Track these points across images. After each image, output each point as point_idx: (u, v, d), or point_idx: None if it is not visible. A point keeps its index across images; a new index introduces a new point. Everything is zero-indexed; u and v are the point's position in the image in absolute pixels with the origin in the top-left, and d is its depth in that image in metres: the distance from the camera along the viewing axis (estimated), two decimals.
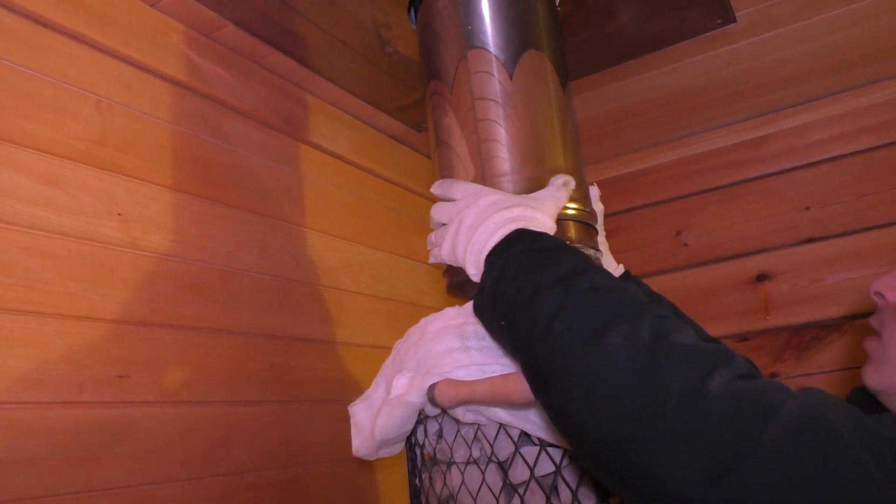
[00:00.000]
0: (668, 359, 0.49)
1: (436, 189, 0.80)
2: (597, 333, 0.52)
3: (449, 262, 0.76)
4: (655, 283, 1.67)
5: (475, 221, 0.69)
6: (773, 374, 1.46)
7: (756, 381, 0.48)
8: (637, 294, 0.57)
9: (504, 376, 0.67)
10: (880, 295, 0.71)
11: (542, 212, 0.71)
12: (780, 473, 0.42)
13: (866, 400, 0.71)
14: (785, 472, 0.42)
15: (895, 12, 1.17)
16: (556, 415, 0.56)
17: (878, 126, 1.45)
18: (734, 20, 1.15)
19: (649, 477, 0.47)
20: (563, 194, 0.75)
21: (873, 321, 0.72)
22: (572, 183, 0.78)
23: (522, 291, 0.59)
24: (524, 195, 0.74)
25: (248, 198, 1.09)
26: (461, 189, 0.75)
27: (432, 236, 0.79)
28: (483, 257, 0.67)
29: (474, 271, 0.69)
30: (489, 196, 0.71)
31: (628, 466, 0.48)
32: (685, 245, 1.63)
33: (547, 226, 0.70)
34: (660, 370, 0.48)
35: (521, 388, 0.65)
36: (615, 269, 0.93)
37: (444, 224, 0.77)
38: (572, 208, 0.79)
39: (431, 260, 0.81)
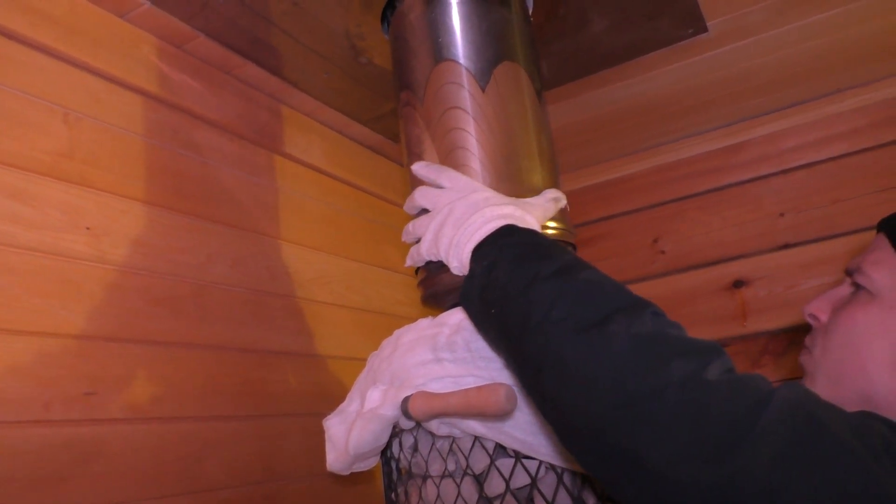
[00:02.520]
0: (668, 349, 0.50)
1: (421, 169, 0.79)
2: (599, 322, 0.53)
3: (428, 258, 0.75)
4: (634, 290, 1.67)
5: (464, 214, 0.70)
6: None
7: (745, 374, 0.50)
8: (629, 290, 0.58)
9: (478, 388, 0.66)
10: (814, 317, 0.76)
11: (531, 215, 0.71)
12: (776, 457, 0.44)
13: None
14: (780, 456, 0.44)
15: (864, 22, 1.19)
16: (549, 403, 0.56)
17: (850, 132, 1.47)
18: (706, 30, 1.16)
19: (644, 459, 0.47)
20: (552, 207, 0.77)
21: (807, 340, 0.76)
22: (563, 200, 0.80)
23: (518, 281, 0.60)
24: (514, 198, 0.74)
25: (221, 210, 1.08)
26: (451, 178, 0.75)
27: (410, 225, 0.78)
28: (468, 250, 0.67)
29: (457, 264, 0.69)
30: (481, 192, 0.72)
31: (624, 450, 0.48)
32: (662, 252, 1.63)
33: (534, 228, 0.71)
34: (660, 358, 0.49)
35: (495, 399, 0.64)
36: None
37: (424, 209, 0.76)
38: (552, 227, 0.79)
39: (409, 263, 0.80)
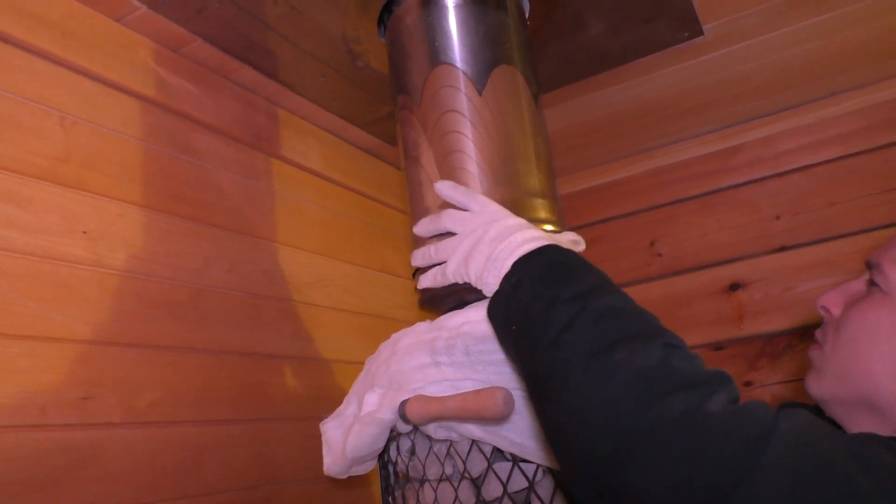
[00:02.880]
0: (669, 383, 0.49)
1: (447, 189, 0.77)
2: (605, 349, 0.52)
3: (454, 279, 0.73)
4: (630, 294, 1.67)
5: (501, 234, 0.69)
6: (748, 383, 1.47)
7: (748, 403, 0.49)
8: (652, 319, 0.57)
9: (475, 392, 0.66)
10: (826, 309, 0.74)
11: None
12: (784, 490, 0.43)
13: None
14: (788, 489, 0.43)
15: (858, 24, 1.19)
16: (549, 425, 0.56)
17: (845, 136, 1.47)
18: (701, 33, 1.16)
19: (644, 493, 0.46)
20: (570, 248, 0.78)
21: (818, 333, 0.74)
22: (582, 244, 0.79)
23: (540, 300, 0.59)
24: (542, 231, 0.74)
25: (218, 214, 1.08)
26: (482, 203, 0.74)
27: (432, 250, 0.76)
28: (507, 265, 0.66)
29: (493, 281, 0.68)
30: (514, 218, 0.72)
31: (622, 482, 0.48)
32: (659, 255, 1.64)
33: None
34: (659, 392, 0.49)
35: (493, 403, 0.64)
36: None
37: (448, 232, 0.75)
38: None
39: (427, 285, 0.78)
